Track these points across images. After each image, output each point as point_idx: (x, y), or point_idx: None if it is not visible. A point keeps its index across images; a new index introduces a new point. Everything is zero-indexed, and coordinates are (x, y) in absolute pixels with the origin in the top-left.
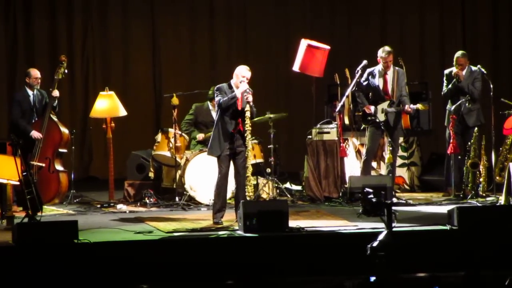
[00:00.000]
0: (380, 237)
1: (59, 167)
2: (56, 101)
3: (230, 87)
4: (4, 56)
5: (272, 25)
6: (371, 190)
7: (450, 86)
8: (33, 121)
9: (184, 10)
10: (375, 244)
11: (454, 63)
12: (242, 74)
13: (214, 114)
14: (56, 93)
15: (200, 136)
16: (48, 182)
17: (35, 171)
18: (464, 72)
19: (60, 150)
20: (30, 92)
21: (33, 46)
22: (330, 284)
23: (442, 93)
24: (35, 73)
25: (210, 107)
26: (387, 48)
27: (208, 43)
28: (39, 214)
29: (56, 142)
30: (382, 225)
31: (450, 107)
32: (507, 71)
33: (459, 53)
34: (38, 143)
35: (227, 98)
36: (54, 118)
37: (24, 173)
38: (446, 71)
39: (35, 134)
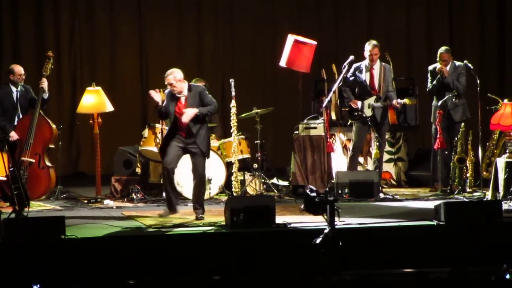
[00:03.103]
0: (323, 234)
1: (48, 163)
2: (48, 94)
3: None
4: None
5: (258, 20)
6: (314, 188)
7: (434, 82)
8: (16, 118)
9: (171, 5)
10: (318, 241)
11: (438, 59)
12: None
13: None
14: (44, 83)
15: None
16: (38, 178)
17: (26, 166)
18: (448, 68)
19: (50, 146)
20: (13, 89)
21: (19, 42)
22: (316, 280)
23: (427, 89)
24: (19, 69)
25: None
26: (373, 41)
27: (195, 38)
28: (26, 209)
29: (47, 138)
30: (368, 220)
31: (436, 103)
32: (493, 66)
33: (442, 49)
34: (28, 138)
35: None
36: (42, 113)
37: (11, 169)
38: (430, 67)
39: (13, 136)
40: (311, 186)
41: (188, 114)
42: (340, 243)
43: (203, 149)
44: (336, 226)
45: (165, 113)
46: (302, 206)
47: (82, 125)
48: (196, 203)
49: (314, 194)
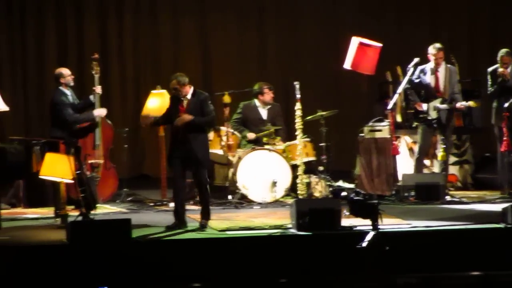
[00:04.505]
0: (368, 237)
1: (111, 163)
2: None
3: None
4: (55, 56)
5: (321, 22)
6: (360, 191)
7: (495, 86)
8: None
9: (233, 7)
10: (364, 244)
11: (499, 61)
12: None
13: (262, 111)
14: (99, 89)
15: (251, 135)
16: (107, 178)
17: (97, 168)
18: (509, 70)
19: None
20: (68, 92)
21: (84, 45)
22: (382, 282)
23: (488, 92)
24: (67, 71)
25: (257, 104)
26: (437, 45)
27: (257, 40)
28: (92, 212)
29: (110, 138)
30: (435, 223)
31: (497, 105)
32: None
33: (503, 51)
34: (95, 140)
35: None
36: None
37: (77, 171)
38: (490, 69)
39: (99, 112)
40: (357, 189)
41: (182, 118)
42: (387, 247)
43: (198, 156)
44: (402, 229)
45: (166, 119)
46: (346, 210)
47: (147, 128)
48: (203, 211)
49: (359, 197)
